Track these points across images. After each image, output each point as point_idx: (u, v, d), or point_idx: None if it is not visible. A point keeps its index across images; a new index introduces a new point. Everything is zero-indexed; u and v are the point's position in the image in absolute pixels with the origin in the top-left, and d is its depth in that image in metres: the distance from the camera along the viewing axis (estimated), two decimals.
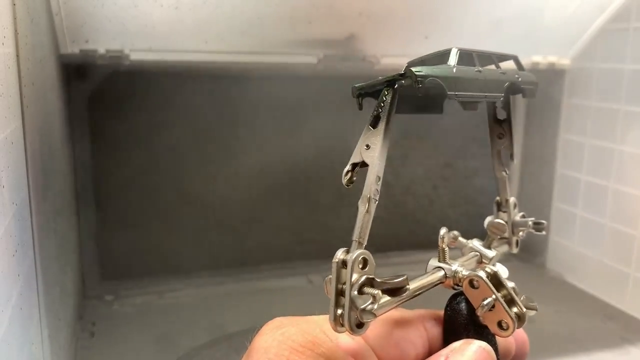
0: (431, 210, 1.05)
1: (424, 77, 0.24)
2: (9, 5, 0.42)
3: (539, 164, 1.02)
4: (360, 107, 0.26)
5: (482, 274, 0.26)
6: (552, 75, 0.96)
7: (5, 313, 0.35)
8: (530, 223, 0.33)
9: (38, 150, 0.50)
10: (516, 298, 0.26)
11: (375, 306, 0.22)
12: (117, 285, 0.86)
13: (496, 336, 0.27)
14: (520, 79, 0.30)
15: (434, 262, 0.27)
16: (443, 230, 0.28)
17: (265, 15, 0.75)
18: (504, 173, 0.33)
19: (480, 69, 0.28)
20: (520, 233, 0.33)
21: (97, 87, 0.80)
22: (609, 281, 0.86)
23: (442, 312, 0.27)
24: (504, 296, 0.25)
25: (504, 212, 0.33)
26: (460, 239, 0.30)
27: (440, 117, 1.06)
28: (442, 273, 0.27)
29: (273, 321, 0.25)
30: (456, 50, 0.28)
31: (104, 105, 0.82)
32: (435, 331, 0.27)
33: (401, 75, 0.24)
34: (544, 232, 0.33)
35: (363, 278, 0.22)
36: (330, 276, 0.22)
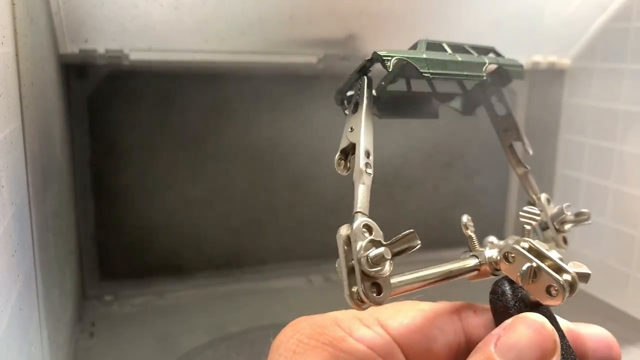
0: (431, 210, 1.04)
1: (391, 56, 0.25)
2: (8, 4, 0.42)
3: (539, 164, 1.01)
4: (347, 113, 0.26)
5: (515, 245, 0.24)
6: (552, 75, 0.96)
7: (5, 313, 0.35)
8: (569, 215, 0.30)
9: (38, 150, 0.50)
10: (564, 265, 0.23)
11: (387, 266, 0.21)
12: (116, 285, 0.86)
13: (565, 332, 0.25)
14: (501, 62, 0.29)
15: (466, 254, 0.26)
16: (465, 218, 0.26)
17: (265, 15, 0.75)
18: (524, 168, 0.31)
19: (452, 53, 0.28)
20: (566, 227, 0.30)
21: (97, 87, 0.80)
22: (610, 281, 0.86)
23: (485, 305, 0.25)
24: (549, 266, 0.23)
25: (540, 211, 0.30)
26: (496, 242, 0.27)
27: (440, 117, 1.06)
28: (475, 260, 0.25)
29: (296, 319, 0.25)
30: (424, 40, 0.27)
31: (104, 105, 0.82)
32: (474, 321, 0.25)
33: (369, 60, 0.25)
34: (589, 222, 0.30)
35: (367, 241, 0.21)
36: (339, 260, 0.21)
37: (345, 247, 0.21)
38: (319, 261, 0.94)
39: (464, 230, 0.26)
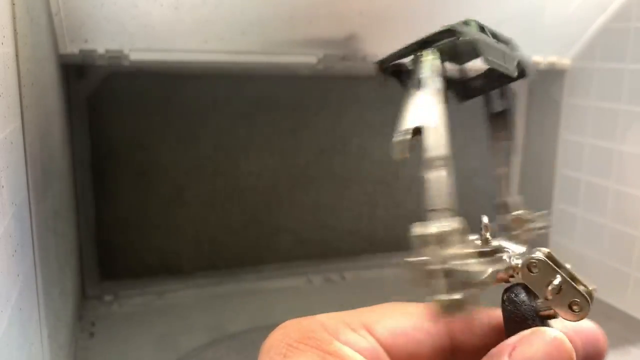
0: None
1: (464, 34, 0.23)
2: (8, 4, 0.42)
3: (539, 164, 1.01)
4: (383, 83, 0.24)
5: (539, 255, 0.23)
6: (552, 75, 0.96)
7: (5, 313, 0.35)
8: (532, 221, 0.29)
9: (38, 150, 0.50)
10: (579, 276, 0.23)
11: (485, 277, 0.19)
12: (116, 285, 0.86)
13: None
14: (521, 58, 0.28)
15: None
16: (485, 219, 0.24)
17: (265, 15, 0.75)
18: (505, 169, 0.29)
19: (496, 40, 0.26)
20: (527, 233, 0.29)
21: (97, 87, 0.80)
22: (610, 281, 0.86)
23: (471, 307, 0.24)
24: (567, 275, 0.23)
25: (509, 213, 0.29)
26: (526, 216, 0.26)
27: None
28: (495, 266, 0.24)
29: (283, 323, 0.25)
30: (474, 21, 0.26)
31: (104, 105, 0.82)
32: (460, 323, 0.24)
33: (442, 32, 0.23)
34: (544, 230, 0.29)
35: (469, 249, 0.20)
36: (413, 259, 0.20)
37: (436, 245, 0.20)
38: (319, 261, 0.94)
39: (484, 232, 0.25)
